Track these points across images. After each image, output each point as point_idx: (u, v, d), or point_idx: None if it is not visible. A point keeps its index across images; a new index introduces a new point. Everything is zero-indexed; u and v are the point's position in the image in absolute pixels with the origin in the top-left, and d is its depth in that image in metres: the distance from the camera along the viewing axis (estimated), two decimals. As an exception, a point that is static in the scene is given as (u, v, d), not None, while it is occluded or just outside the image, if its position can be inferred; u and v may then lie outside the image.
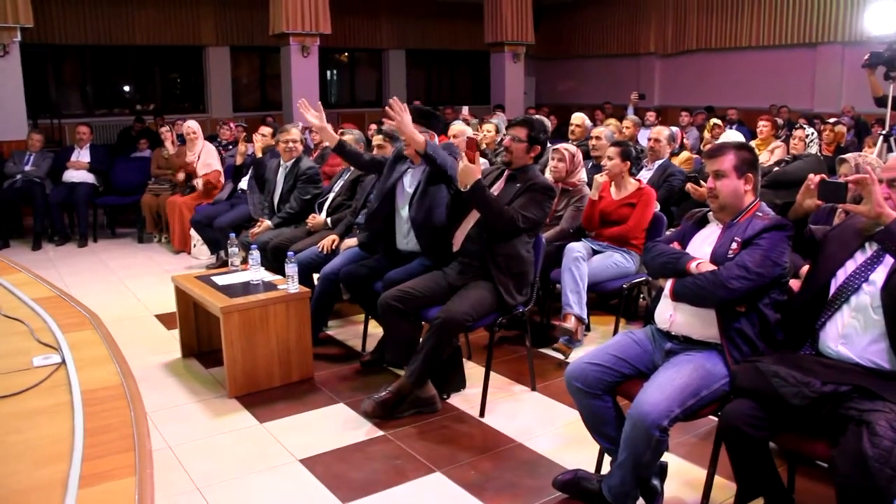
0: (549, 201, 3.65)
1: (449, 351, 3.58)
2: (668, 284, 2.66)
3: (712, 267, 2.56)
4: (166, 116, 10.69)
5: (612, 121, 7.61)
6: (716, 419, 2.52)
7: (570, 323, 4.05)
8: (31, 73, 10.04)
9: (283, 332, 3.87)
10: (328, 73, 15.51)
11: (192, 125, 7.33)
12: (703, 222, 2.82)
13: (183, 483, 2.97)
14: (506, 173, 3.69)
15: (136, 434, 1.77)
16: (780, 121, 8.75)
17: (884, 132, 6.14)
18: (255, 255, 4.09)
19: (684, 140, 8.11)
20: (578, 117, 7.02)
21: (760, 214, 2.65)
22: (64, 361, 2.23)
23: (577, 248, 4.15)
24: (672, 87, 14.98)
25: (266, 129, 6.53)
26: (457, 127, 5.49)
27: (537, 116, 3.67)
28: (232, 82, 14.14)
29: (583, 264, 4.08)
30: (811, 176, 2.54)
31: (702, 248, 2.71)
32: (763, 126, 6.94)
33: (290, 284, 3.89)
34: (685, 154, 6.82)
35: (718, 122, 7.87)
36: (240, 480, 2.99)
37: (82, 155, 7.97)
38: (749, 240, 2.57)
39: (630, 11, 15.29)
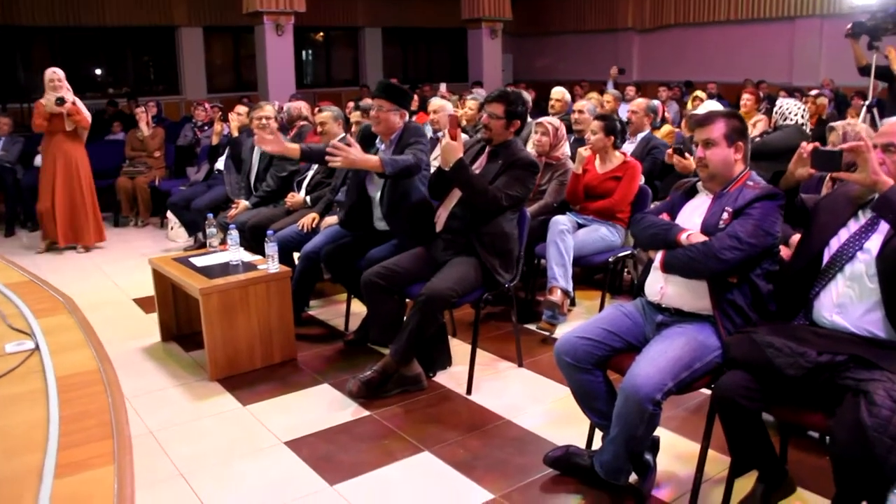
0: (532, 178, 3.58)
1: (434, 328, 3.52)
2: (659, 256, 2.61)
3: (703, 238, 2.51)
4: (139, 99, 10.48)
5: (594, 94, 7.54)
6: (708, 392, 2.49)
7: (556, 296, 4.00)
8: (-2, 56, 9.80)
9: (264, 312, 3.79)
10: (303, 52, 15.32)
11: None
12: (692, 192, 2.77)
13: (166, 469, 2.90)
14: (487, 149, 3.61)
15: (115, 420, 1.70)
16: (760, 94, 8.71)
17: (867, 102, 6.13)
18: (234, 235, 4.00)
19: (665, 114, 8.07)
20: (559, 91, 6.93)
21: (751, 184, 2.60)
22: (38, 347, 2.15)
23: (562, 222, 4.10)
24: (650, 62, 14.95)
25: (242, 109, 6.38)
26: (437, 103, 5.40)
27: (514, 89, 3.58)
28: (206, 63, 13.91)
29: (568, 237, 4.03)
30: (804, 144, 2.49)
31: (691, 218, 2.66)
32: (747, 99, 6.91)
33: (270, 264, 3.80)
34: (667, 127, 6.78)
35: (701, 94, 7.82)
36: (224, 465, 2.92)
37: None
38: (740, 209, 2.52)
39: (607, -14, 15.21)
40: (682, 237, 2.55)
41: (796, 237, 2.96)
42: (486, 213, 3.43)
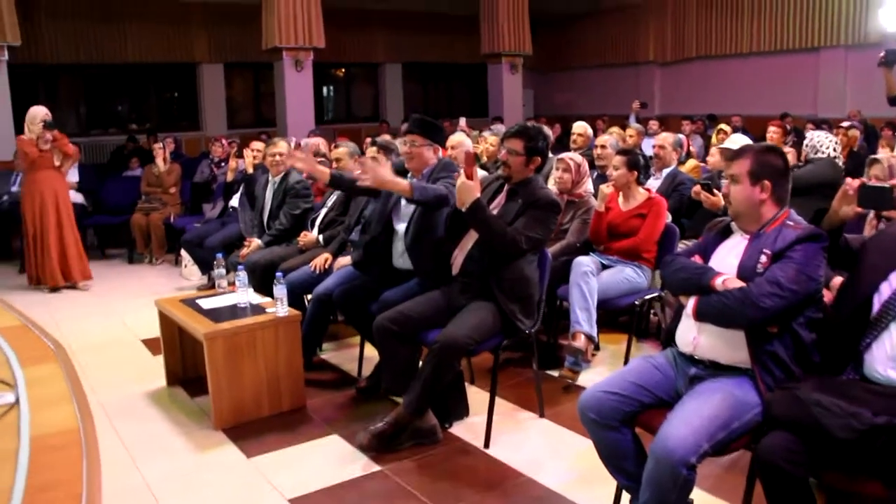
0: (553, 218, 3.40)
1: (450, 377, 3.32)
2: (691, 303, 2.41)
3: (740, 283, 2.31)
4: (159, 134, 10.49)
5: (616, 129, 7.37)
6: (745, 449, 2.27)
7: (580, 342, 3.77)
8: (21, 92, 9.85)
9: (272, 358, 3.61)
10: (324, 88, 15.34)
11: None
12: (726, 233, 2.57)
13: (160, 529, 2.71)
14: (506, 187, 3.44)
15: (87, 491, 1.53)
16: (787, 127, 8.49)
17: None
18: (242, 276, 3.84)
19: (690, 148, 7.87)
20: (581, 126, 6.78)
21: (791, 224, 2.39)
22: (18, 401, 1.99)
23: (585, 263, 3.89)
24: (672, 95, 14.80)
25: (258, 145, 6.29)
26: (455, 138, 5.25)
27: (533, 124, 3.41)
28: (227, 100, 13.96)
29: (592, 279, 3.82)
30: (849, 180, 2.29)
31: (726, 260, 2.46)
32: (773, 132, 6.71)
33: (280, 307, 3.63)
34: (692, 162, 6.58)
35: (725, 127, 7.63)
36: (223, 525, 2.73)
37: (70, 174, 7.67)
38: (780, 252, 2.32)
39: (628, 20, 15.11)
40: (717, 282, 2.35)
41: (838, 280, 2.75)
42: (505, 256, 3.24)
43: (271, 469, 3.14)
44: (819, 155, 5.09)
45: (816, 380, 2.24)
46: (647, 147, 6.90)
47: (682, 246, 4.29)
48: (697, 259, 2.53)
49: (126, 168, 9.09)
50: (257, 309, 3.74)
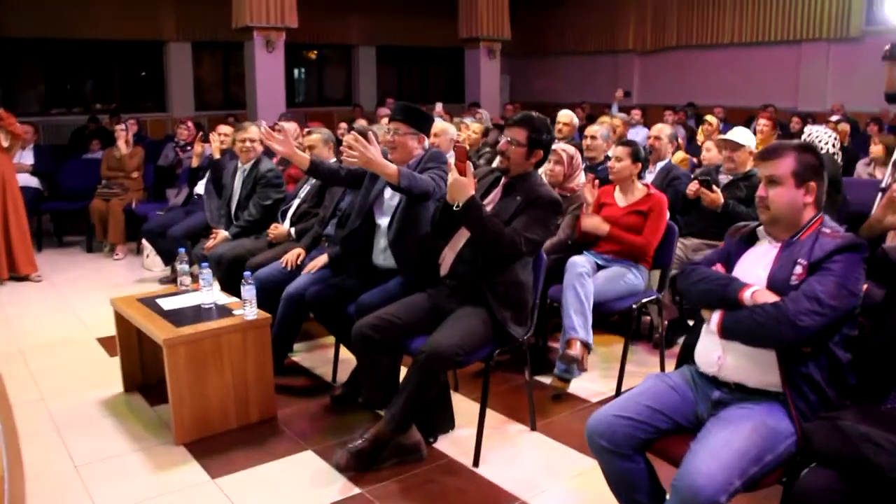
0: (555, 218, 3.13)
1: (436, 390, 3.02)
2: (715, 318, 2.14)
3: (772, 296, 2.05)
4: (122, 115, 10.01)
5: (605, 118, 7.10)
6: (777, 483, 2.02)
7: (575, 350, 3.48)
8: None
9: (240, 365, 3.29)
10: (295, 70, 14.88)
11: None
12: (751, 239, 2.31)
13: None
14: (502, 181, 3.13)
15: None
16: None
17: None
18: (206, 274, 3.50)
19: (679, 140, 7.63)
20: (566, 115, 6.49)
21: (827, 231, 2.14)
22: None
23: (580, 264, 3.60)
24: (651, 85, 14.56)
25: (225, 129, 5.94)
26: (439, 125, 4.93)
27: (539, 115, 3.12)
28: (194, 80, 13.47)
29: (588, 282, 3.54)
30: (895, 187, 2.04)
31: (753, 271, 2.20)
32: (764, 125, 6.50)
33: (248, 309, 3.30)
34: (680, 154, 6.33)
35: (712, 119, 7.40)
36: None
37: (24, 157, 7.28)
38: (817, 262, 2.06)
39: (608, 7, 14.81)
40: (746, 295, 2.08)
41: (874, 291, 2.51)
42: (500, 259, 2.95)
43: (238, 491, 2.83)
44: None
45: (859, 409, 1.98)
46: (632, 137, 6.64)
47: (680, 245, 4.03)
48: (719, 268, 2.27)
49: (86, 150, 8.62)
50: (223, 311, 3.42)
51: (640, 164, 3.84)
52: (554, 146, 4.12)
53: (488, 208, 3.01)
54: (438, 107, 10.30)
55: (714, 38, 13.27)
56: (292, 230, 4.43)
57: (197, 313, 3.38)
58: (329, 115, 13.47)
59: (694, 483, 1.88)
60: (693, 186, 4.14)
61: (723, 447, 1.95)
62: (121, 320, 3.64)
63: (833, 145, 4.87)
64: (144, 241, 6.21)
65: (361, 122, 6.43)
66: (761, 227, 2.28)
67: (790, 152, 2.16)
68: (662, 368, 3.89)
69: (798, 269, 2.08)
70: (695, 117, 11.08)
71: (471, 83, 12.98)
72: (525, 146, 3.01)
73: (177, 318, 3.32)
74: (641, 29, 14.45)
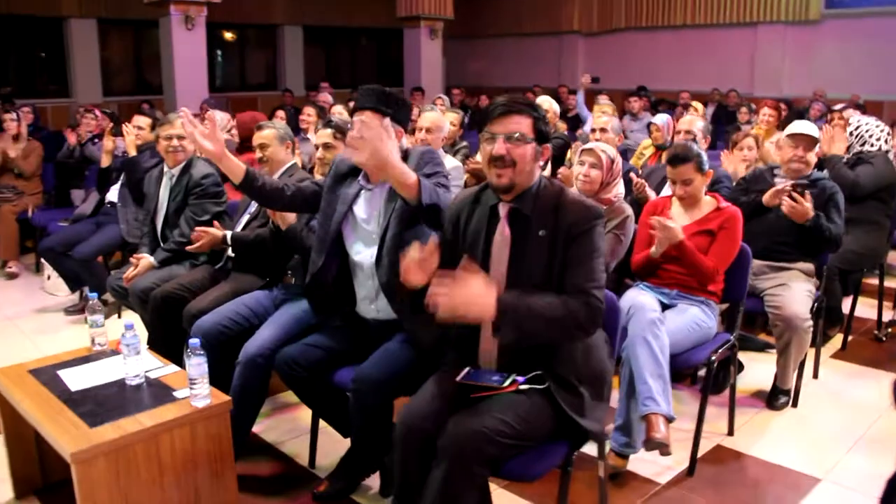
0: (602, 232, 2.16)
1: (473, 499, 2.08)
2: None
3: None
4: (17, 101, 8.60)
5: (607, 106, 6.23)
6: None
7: (661, 431, 2.50)
8: None
9: (188, 471, 2.27)
10: (214, 52, 13.54)
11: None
12: None
13: None
14: (504, 211, 2.12)
15: None
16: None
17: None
18: (131, 338, 2.39)
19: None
20: (545, 101, 5.64)
21: None
22: None
23: (650, 306, 2.68)
24: (597, 68, 13.82)
25: (142, 120, 4.80)
26: (430, 118, 3.92)
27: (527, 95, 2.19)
28: (101, 62, 12.02)
29: (662, 332, 2.61)
30: None
31: None
32: (769, 115, 5.79)
33: (198, 390, 2.27)
34: (647, 142, 5.43)
35: (698, 105, 6.71)
36: None
37: None
38: None
39: (551, -15, 14.04)
40: None
41: None
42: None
43: None
44: (868, 148, 4.12)
45: None
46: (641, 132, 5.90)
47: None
48: None
49: (-29, 144, 7.24)
50: (160, 390, 2.38)
51: (710, 173, 2.97)
52: (590, 145, 3.22)
53: (501, 269, 2.06)
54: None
55: (665, 20, 12.67)
56: (227, 234, 3.31)
57: (120, 396, 2.33)
58: (253, 101, 12.32)
59: None
60: (785, 189, 3.21)
61: None
62: (5, 405, 2.55)
63: (886, 142, 4.13)
64: (45, 261, 5.02)
65: (340, 113, 5.28)
66: None
67: None
68: (731, 430, 3.05)
69: None
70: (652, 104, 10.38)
71: (411, 66, 12.01)
72: (534, 141, 2.05)
73: (91, 406, 2.26)
74: (587, 9, 13.74)
